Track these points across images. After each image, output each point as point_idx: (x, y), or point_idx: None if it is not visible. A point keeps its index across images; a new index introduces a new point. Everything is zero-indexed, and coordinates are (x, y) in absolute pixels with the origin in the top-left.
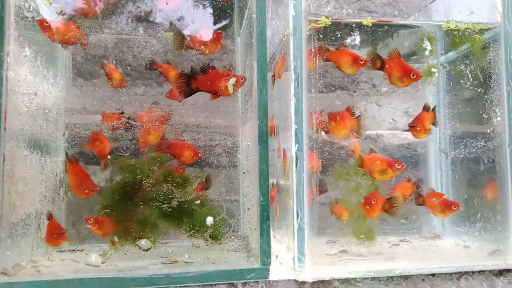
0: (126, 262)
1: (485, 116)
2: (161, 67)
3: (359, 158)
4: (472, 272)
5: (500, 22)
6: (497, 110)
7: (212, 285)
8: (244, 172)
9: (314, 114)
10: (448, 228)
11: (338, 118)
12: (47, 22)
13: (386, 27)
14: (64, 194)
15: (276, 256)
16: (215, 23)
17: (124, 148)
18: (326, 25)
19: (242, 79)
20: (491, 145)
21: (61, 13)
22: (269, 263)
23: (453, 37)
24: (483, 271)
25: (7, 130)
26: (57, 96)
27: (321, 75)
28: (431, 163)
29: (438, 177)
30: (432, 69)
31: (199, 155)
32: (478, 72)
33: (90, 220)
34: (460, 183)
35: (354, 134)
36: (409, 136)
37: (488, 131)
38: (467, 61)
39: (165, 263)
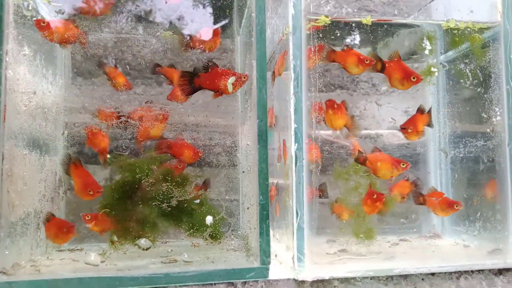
0: (126, 261)
1: (484, 115)
2: (166, 71)
3: (361, 156)
4: (472, 271)
5: (500, 21)
6: (497, 109)
7: (211, 284)
8: (243, 171)
9: (315, 105)
10: (448, 227)
11: (336, 106)
12: (44, 22)
13: (385, 26)
14: (63, 193)
15: (276, 255)
16: (214, 22)
17: (123, 147)
18: (326, 24)
19: (244, 77)
20: (491, 144)
21: (60, 11)
22: (269, 263)
23: (453, 36)
24: (482, 270)
25: (6, 129)
26: (56, 95)
27: (321, 74)
28: (430, 162)
29: (438, 177)
30: (432, 68)
31: (199, 154)
32: (478, 71)
33: (88, 217)
34: (459, 182)
35: (349, 131)
36: None
37: (488, 130)
38: (466, 60)
39: (165, 263)
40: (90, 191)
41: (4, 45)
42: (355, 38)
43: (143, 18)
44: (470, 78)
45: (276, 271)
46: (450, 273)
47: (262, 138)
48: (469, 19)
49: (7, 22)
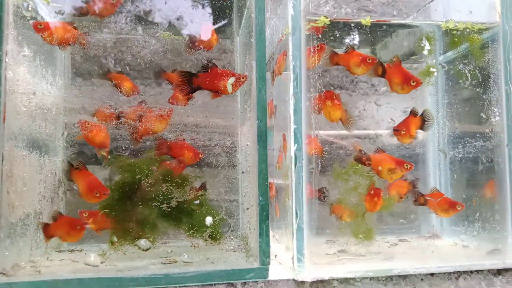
0: (125, 262)
1: (483, 116)
2: (169, 76)
3: (361, 155)
4: (471, 271)
5: (499, 22)
6: (496, 109)
7: (211, 285)
8: (243, 172)
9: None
10: (447, 228)
11: (334, 97)
12: (41, 25)
13: (385, 27)
14: (63, 194)
15: (275, 256)
16: (214, 22)
17: (123, 148)
18: (325, 25)
19: (243, 78)
20: (490, 144)
21: (59, 12)
22: (268, 263)
23: (452, 36)
24: (481, 270)
25: (6, 130)
26: (56, 96)
27: (320, 74)
28: (429, 162)
29: (437, 177)
30: (431, 69)
31: (200, 155)
32: (477, 71)
33: (85, 214)
34: (458, 182)
35: (343, 125)
36: None
37: (487, 130)
38: (465, 61)
39: (164, 263)
40: (97, 193)
41: (4, 46)
42: (355, 39)
43: (143, 19)
44: (469, 79)
45: (275, 272)
46: (449, 273)
47: (262, 138)
48: (468, 19)
49: (7, 22)
